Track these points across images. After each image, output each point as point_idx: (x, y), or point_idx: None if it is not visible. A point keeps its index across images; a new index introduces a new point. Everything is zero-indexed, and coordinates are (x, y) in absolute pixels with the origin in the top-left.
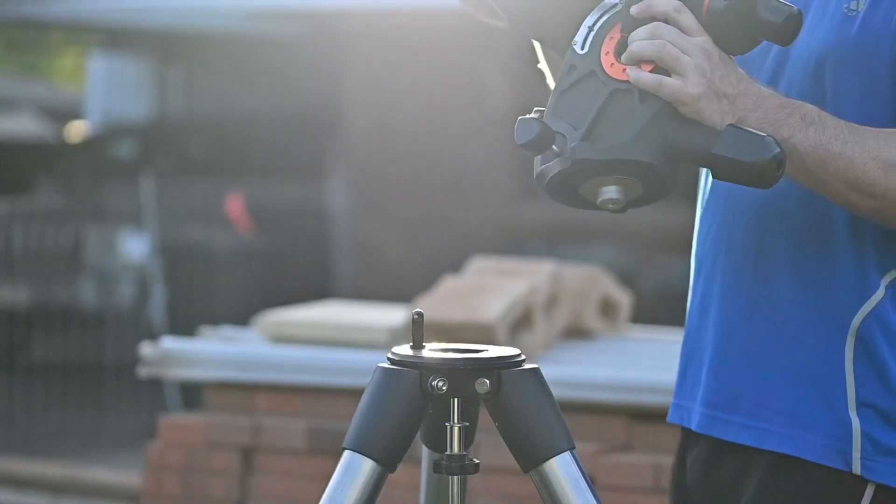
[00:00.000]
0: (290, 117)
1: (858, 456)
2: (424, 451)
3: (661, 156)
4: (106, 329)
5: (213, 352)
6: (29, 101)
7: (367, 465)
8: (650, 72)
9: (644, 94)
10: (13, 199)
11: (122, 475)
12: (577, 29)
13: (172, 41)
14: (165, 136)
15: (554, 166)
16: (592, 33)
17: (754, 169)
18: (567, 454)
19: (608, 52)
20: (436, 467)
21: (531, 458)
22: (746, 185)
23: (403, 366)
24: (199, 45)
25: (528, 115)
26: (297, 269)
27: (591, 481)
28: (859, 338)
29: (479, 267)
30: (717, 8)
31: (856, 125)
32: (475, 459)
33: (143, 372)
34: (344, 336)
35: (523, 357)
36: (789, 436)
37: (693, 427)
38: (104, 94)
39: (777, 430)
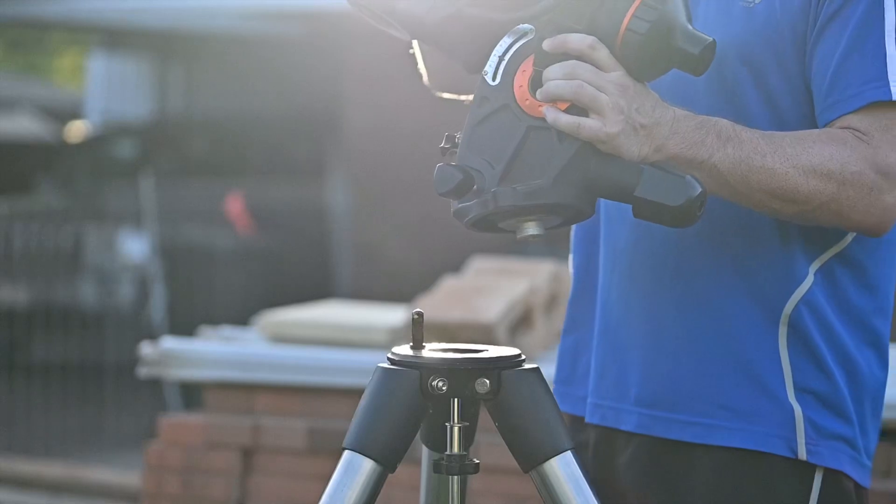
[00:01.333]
0: (290, 117)
1: (803, 442)
2: (424, 451)
3: (582, 194)
4: (106, 329)
5: (213, 352)
6: (29, 101)
7: (367, 465)
8: (567, 110)
9: (562, 133)
10: (13, 199)
11: (122, 475)
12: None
13: (172, 41)
14: (165, 136)
15: (474, 207)
16: (504, 64)
17: (678, 211)
18: (567, 454)
19: (522, 86)
20: (436, 467)
21: (531, 457)
22: (667, 224)
23: (403, 366)
24: (199, 45)
25: (446, 162)
26: (297, 269)
27: (590, 481)
28: (791, 325)
29: (479, 267)
30: (631, 41)
31: (770, 133)
32: (475, 459)
33: (143, 372)
34: (344, 336)
35: (523, 357)
36: (735, 429)
37: (631, 428)
38: (104, 94)
39: (722, 424)
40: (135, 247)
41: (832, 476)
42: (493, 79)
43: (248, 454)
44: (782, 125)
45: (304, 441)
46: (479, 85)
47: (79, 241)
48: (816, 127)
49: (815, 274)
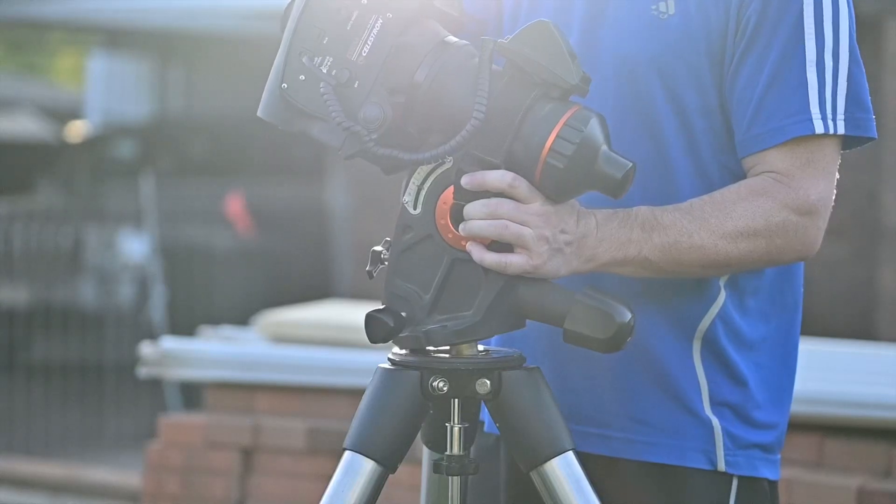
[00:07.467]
0: None
1: (722, 454)
2: (425, 452)
3: (511, 322)
4: (106, 329)
5: (213, 352)
6: (29, 101)
7: (367, 466)
8: (491, 245)
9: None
10: (13, 199)
11: (122, 475)
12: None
13: (172, 41)
14: (165, 136)
15: (407, 342)
16: (423, 193)
17: (608, 342)
18: (568, 454)
19: (444, 221)
20: (436, 467)
21: (532, 458)
22: (596, 351)
23: (404, 366)
24: (199, 45)
25: (374, 311)
26: (297, 269)
27: (591, 482)
28: (705, 340)
29: None
30: (550, 173)
31: (689, 205)
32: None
33: (143, 372)
34: (344, 336)
35: (524, 357)
36: (654, 443)
37: None
38: (104, 94)
39: (640, 439)
40: (135, 247)
41: (746, 482)
42: (415, 208)
43: (248, 454)
44: (690, 134)
45: (304, 441)
46: (400, 211)
47: (79, 241)
48: (724, 139)
49: (724, 287)
